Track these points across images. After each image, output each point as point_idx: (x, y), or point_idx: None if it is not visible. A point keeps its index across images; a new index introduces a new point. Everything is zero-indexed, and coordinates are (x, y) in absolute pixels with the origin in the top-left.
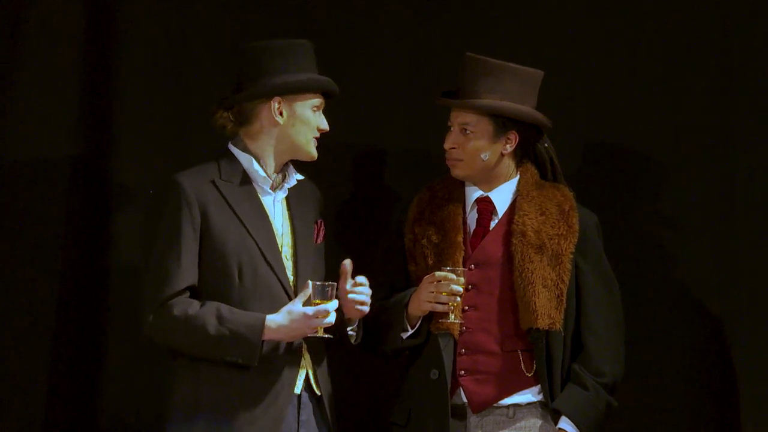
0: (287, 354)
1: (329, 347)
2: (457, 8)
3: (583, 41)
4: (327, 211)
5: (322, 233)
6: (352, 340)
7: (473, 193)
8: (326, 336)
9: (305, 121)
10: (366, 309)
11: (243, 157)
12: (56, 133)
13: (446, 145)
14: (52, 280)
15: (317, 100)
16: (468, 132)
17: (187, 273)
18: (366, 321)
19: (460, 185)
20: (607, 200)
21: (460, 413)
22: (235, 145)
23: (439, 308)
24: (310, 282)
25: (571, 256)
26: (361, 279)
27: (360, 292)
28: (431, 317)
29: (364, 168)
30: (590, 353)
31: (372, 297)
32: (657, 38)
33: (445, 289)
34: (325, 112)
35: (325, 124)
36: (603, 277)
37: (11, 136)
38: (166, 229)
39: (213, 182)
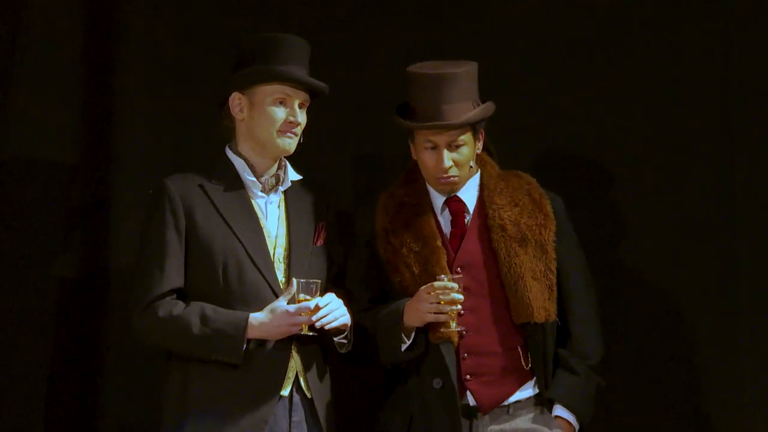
0: (275, 356)
1: (324, 350)
2: (454, 11)
3: (583, 40)
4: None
5: (323, 235)
6: (342, 349)
7: (440, 195)
8: (310, 333)
9: (265, 114)
10: (343, 321)
11: (236, 160)
12: (56, 134)
13: (444, 165)
14: (52, 281)
15: (278, 93)
16: (457, 146)
17: (172, 276)
18: (355, 337)
19: (424, 188)
20: (605, 200)
21: (467, 416)
22: (230, 148)
23: (442, 318)
24: (294, 279)
25: (554, 244)
26: (325, 300)
27: (324, 314)
28: (427, 327)
29: (361, 170)
30: (576, 338)
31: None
32: (656, 37)
33: (446, 298)
34: (321, 115)
35: (294, 116)
36: (577, 259)
37: (11, 137)
38: (151, 233)
39: (201, 186)
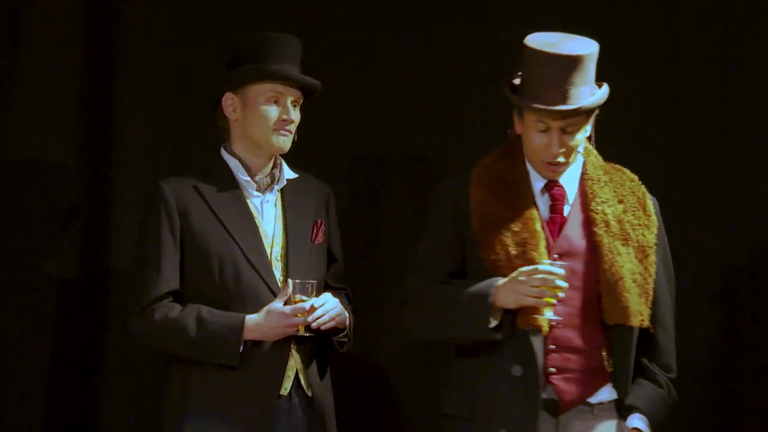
0: (274, 355)
1: (324, 348)
2: (454, 11)
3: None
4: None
5: (321, 233)
6: (343, 348)
7: (540, 177)
8: (307, 335)
9: (258, 112)
10: (339, 320)
11: (230, 160)
12: (56, 134)
13: (554, 151)
14: (52, 281)
15: (271, 91)
16: (570, 132)
17: (167, 278)
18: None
19: (524, 166)
20: None
21: (549, 411)
22: (225, 148)
23: (540, 303)
24: (289, 280)
25: (655, 248)
26: (321, 300)
27: (320, 314)
28: (517, 311)
29: (361, 170)
30: (661, 348)
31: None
32: (656, 37)
33: (551, 283)
34: (321, 115)
35: (287, 114)
36: (668, 269)
37: (11, 137)
38: (146, 236)
39: (195, 187)
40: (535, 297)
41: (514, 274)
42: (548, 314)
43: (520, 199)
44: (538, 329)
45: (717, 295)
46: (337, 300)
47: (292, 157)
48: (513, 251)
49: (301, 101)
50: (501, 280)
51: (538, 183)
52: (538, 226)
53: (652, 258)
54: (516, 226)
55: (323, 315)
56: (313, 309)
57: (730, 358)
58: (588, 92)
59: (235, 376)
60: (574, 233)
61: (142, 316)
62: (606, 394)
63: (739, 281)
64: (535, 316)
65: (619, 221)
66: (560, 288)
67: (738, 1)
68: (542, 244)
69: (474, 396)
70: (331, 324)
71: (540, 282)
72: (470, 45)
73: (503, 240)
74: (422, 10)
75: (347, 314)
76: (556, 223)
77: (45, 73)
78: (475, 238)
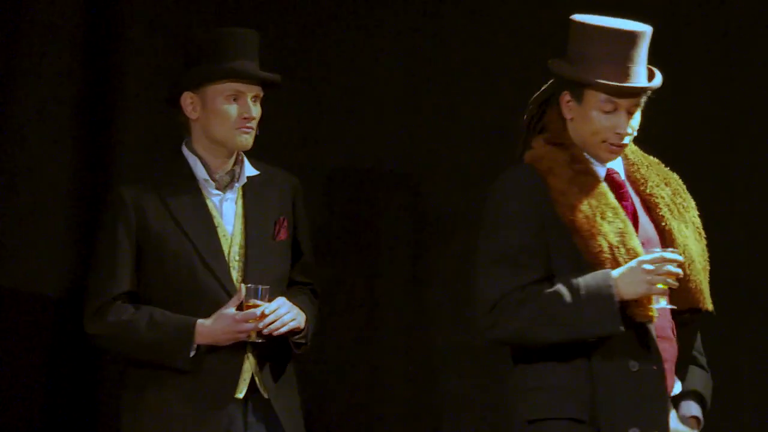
0: (229, 358)
1: (286, 349)
2: (455, 11)
3: None
4: (318, 215)
5: (283, 230)
6: (300, 350)
7: (599, 165)
8: (259, 341)
9: (219, 112)
10: (292, 325)
11: (190, 158)
12: (56, 134)
13: (623, 131)
14: (51, 281)
15: (230, 90)
16: (633, 112)
17: (122, 280)
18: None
19: (581, 154)
20: None
21: None
22: (186, 145)
23: (665, 292)
24: (242, 285)
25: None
26: (273, 306)
27: (271, 320)
28: (630, 302)
29: (362, 171)
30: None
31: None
32: (655, 37)
33: (675, 270)
34: (319, 115)
35: (249, 112)
36: None
37: (10, 137)
38: (102, 237)
39: (154, 186)
40: (659, 284)
41: (633, 264)
42: (662, 303)
43: (599, 189)
44: (649, 319)
45: (716, 295)
46: (290, 304)
47: (289, 159)
48: (613, 241)
49: (261, 95)
50: (616, 272)
51: (600, 170)
52: (623, 215)
53: (704, 241)
54: (609, 216)
55: (275, 321)
56: (264, 315)
57: (729, 358)
58: (645, 71)
59: (190, 380)
60: (644, 219)
61: (96, 317)
62: (678, 384)
63: (739, 281)
64: (650, 305)
65: (674, 203)
66: (679, 274)
67: (738, 1)
68: (634, 232)
69: (592, 397)
70: (284, 330)
71: (663, 269)
72: (472, 45)
73: (601, 230)
74: (421, 11)
75: (304, 316)
76: (628, 210)
77: (45, 72)
78: (570, 229)
